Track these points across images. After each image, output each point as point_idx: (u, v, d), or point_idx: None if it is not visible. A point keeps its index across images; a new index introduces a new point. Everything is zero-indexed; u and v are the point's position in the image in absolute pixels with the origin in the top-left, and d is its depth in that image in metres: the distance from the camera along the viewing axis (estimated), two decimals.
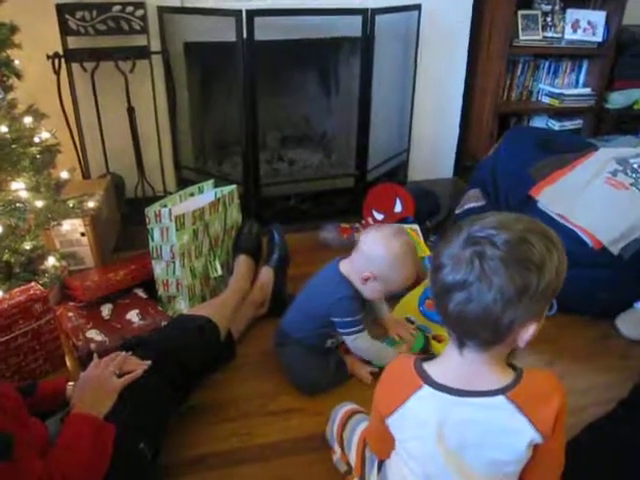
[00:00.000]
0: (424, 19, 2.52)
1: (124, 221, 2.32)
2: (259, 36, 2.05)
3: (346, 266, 1.49)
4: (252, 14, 2.00)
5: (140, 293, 1.83)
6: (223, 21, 2.10)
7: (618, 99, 2.90)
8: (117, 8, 2.07)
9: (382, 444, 1.08)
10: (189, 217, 1.69)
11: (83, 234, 1.93)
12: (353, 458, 1.22)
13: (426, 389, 0.90)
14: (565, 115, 2.93)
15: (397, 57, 2.58)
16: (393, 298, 1.83)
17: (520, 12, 2.64)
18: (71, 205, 1.87)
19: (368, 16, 2.19)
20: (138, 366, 1.25)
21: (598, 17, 2.71)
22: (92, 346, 1.55)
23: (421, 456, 0.96)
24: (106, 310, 1.74)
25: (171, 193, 2.49)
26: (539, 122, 2.99)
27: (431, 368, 0.92)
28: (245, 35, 2.03)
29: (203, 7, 2.19)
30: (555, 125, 2.94)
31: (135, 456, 1.11)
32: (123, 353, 1.29)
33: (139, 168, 2.35)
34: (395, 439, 1.00)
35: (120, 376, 1.22)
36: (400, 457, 1.02)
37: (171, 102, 2.34)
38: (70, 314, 1.70)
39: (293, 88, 2.76)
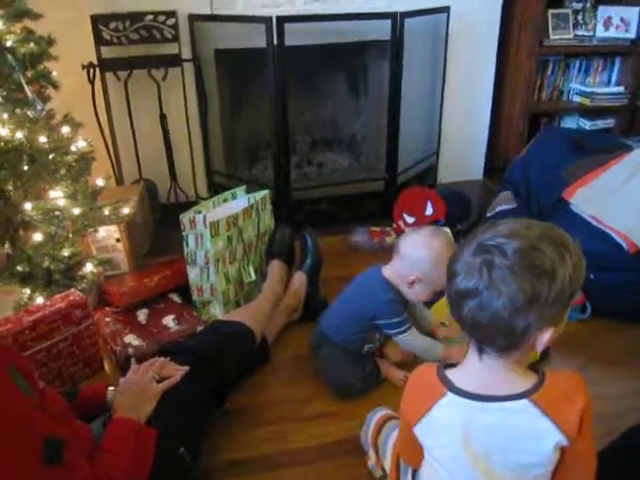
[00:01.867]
0: (453, 20, 2.51)
1: (157, 226, 2.36)
2: (288, 41, 2.07)
3: (389, 271, 1.50)
4: (282, 20, 2.02)
5: (175, 298, 1.86)
6: (253, 28, 2.13)
7: None
8: (149, 18, 2.11)
9: (411, 453, 1.08)
10: (223, 224, 1.71)
11: (118, 240, 1.97)
12: (388, 464, 1.22)
13: (450, 396, 0.90)
14: (597, 114, 2.88)
15: (426, 59, 2.57)
16: (425, 303, 1.84)
17: (550, 11, 2.60)
18: (107, 212, 1.92)
19: (397, 20, 2.19)
20: (177, 371, 1.28)
21: (631, 13, 2.66)
22: (130, 351, 1.58)
23: (449, 463, 0.96)
24: (142, 315, 1.77)
25: (203, 198, 2.53)
26: (570, 122, 2.94)
27: (453, 375, 0.92)
28: (275, 41, 2.05)
29: (233, 14, 2.21)
30: (586, 124, 2.89)
31: (176, 460, 1.13)
32: (162, 358, 1.31)
33: (171, 174, 2.39)
34: (423, 447, 1.01)
35: (159, 381, 1.24)
36: (430, 466, 1.02)
37: (202, 108, 2.37)
38: (107, 319, 1.74)
39: (321, 92, 2.76)
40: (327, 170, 2.77)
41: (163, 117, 2.25)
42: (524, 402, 0.86)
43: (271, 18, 2.01)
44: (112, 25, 2.09)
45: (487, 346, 0.86)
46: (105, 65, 2.15)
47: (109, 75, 2.18)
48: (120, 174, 2.35)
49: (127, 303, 1.77)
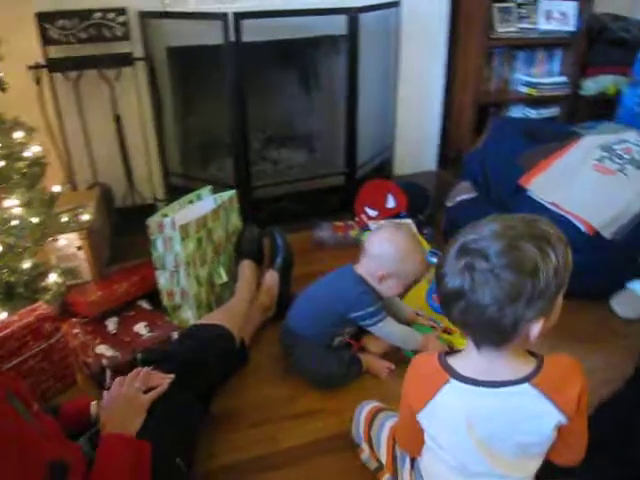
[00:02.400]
0: (403, 15, 2.55)
1: (114, 232, 2.28)
2: (244, 38, 2.04)
3: (360, 270, 1.54)
4: (239, 17, 1.99)
5: (144, 304, 1.81)
6: (207, 24, 2.09)
7: (591, 86, 2.99)
8: (98, 15, 2.02)
9: (412, 441, 1.11)
10: (193, 225, 1.67)
11: (80, 248, 1.89)
12: (384, 455, 1.24)
13: (453, 382, 0.93)
14: (542, 103, 3.00)
15: (379, 54, 2.60)
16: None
17: (495, 5, 2.69)
18: (65, 219, 1.84)
19: (353, 15, 2.20)
20: (163, 380, 1.25)
21: (569, 7, 2.78)
22: (104, 362, 1.52)
23: (453, 447, 0.99)
24: (112, 324, 1.71)
25: (160, 201, 2.47)
26: (516, 111, 3.05)
27: (455, 362, 0.96)
28: (233, 38, 2.01)
29: (187, 11, 2.16)
30: (532, 113, 3.00)
31: (173, 472, 1.11)
32: (145, 368, 1.27)
33: (128, 177, 2.31)
34: (426, 434, 1.03)
35: (146, 392, 1.21)
36: (433, 452, 1.05)
37: (156, 108, 2.30)
38: (75, 331, 1.67)
39: (275, 88, 2.74)
40: (285, 167, 2.75)
41: (117, 118, 2.16)
42: (525, 386, 0.90)
43: (227, 14, 1.98)
44: (59, 23, 1.99)
45: (482, 342, 0.90)
46: (53, 66, 2.04)
47: (58, 76, 2.08)
48: (73, 179, 2.25)
49: (96, 312, 1.70)
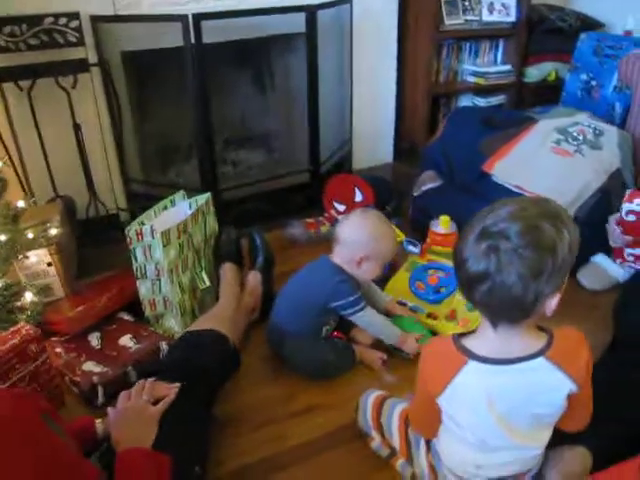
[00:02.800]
0: (356, 12, 2.58)
1: (79, 245, 2.20)
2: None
3: (335, 259, 1.57)
4: (199, 18, 1.96)
5: (125, 317, 1.75)
6: (164, 27, 2.04)
7: (534, 73, 3.13)
8: (49, 20, 1.93)
9: (428, 423, 1.14)
10: (174, 231, 1.64)
11: (50, 264, 1.81)
12: (397, 441, 1.26)
13: (471, 364, 0.96)
14: (489, 92, 3.12)
15: (334, 52, 2.62)
16: (378, 284, 1.90)
17: None
18: (31, 235, 1.76)
19: (312, 12, 2.21)
20: (170, 390, 1.22)
21: None
22: (95, 378, 1.47)
23: (474, 425, 1.02)
24: (95, 340, 1.65)
25: (124, 210, 2.40)
26: (465, 101, 3.16)
27: (471, 343, 0.99)
28: (193, 40, 1.98)
29: (142, 14, 2.10)
30: (481, 102, 3.12)
31: None
32: (150, 380, 1.24)
33: (89, 187, 2.23)
34: (444, 415, 1.06)
35: (155, 403, 1.18)
36: (451, 432, 1.08)
37: (113, 115, 2.23)
38: (58, 350, 1.60)
39: (231, 89, 2.72)
40: (244, 168, 2.74)
41: (77, 127, 2.08)
42: (540, 359, 0.95)
43: (187, 16, 1.94)
44: (7, 29, 1.89)
45: (500, 320, 0.93)
46: (2, 75, 1.94)
47: (9, 86, 1.98)
48: (31, 193, 2.15)
49: (77, 329, 1.64)
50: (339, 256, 1.56)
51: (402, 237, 2.05)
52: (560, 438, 1.10)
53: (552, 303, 0.90)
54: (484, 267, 0.86)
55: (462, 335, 1.02)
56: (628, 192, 1.77)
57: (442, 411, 1.05)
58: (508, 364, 0.95)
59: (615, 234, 1.83)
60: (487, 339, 0.97)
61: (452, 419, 1.04)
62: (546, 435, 1.06)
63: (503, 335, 0.95)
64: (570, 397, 0.98)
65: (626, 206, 1.73)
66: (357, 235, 1.53)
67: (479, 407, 0.98)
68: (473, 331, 1.02)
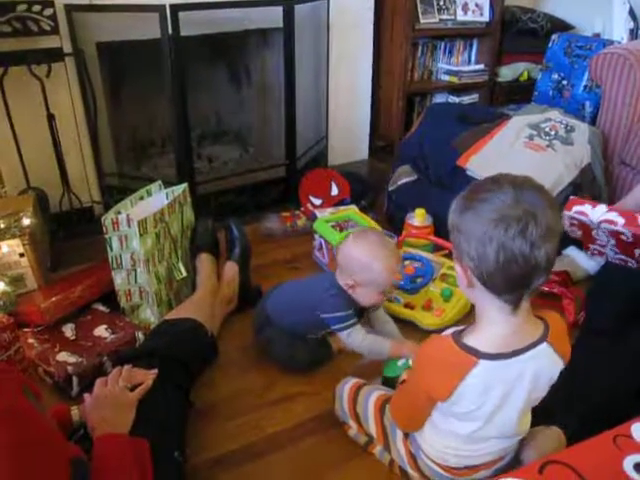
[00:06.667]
0: (332, 8, 2.60)
1: (53, 238, 2.16)
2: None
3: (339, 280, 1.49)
4: (176, 9, 1.95)
5: (100, 307, 1.73)
6: (140, 18, 2.02)
7: (507, 73, 3.20)
8: (22, 7, 1.89)
9: (416, 422, 1.12)
10: (151, 221, 1.63)
11: (22, 255, 1.78)
12: (373, 428, 1.27)
13: (482, 363, 0.93)
14: (463, 90, 3.17)
15: (310, 47, 2.63)
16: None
17: None
18: (2, 225, 1.73)
19: (289, 6, 2.22)
20: (146, 376, 1.21)
21: None
22: (69, 368, 1.45)
23: (479, 418, 0.99)
24: (69, 330, 1.63)
25: (98, 203, 2.37)
26: (440, 98, 3.20)
27: (476, 341, 0.95)
28: (170, 31, 1.97)
29: (118, 4, 2.07)
30: (455, 100, 3.16)
31: (173, 466, 1.08)
32: (126, 366, 1.23)
33: (63, 179, 2.19)
34: (436, 412, 1.04)
35: (132, 390, 1.17)
36: (437, 426, 1.07)
37: (88, 106, 2.20)
38: (31, 340, 1.57)
39: (207, 83, 2.71)
40: (224, 163, 2.73)
41: (51, 117, 2.05)
42: (543, 345, 0.95)
43: (165, 6, 1.93)
44: None
45: (525, 294, 0.91)
46: None
47: None
48: (2, 184, 2.10)
49: (51, 320, 1.60)
50: (338, 278, 1.48)
51: (379, 230, 2.06)
52: (534, 419, 1.13)
53: None
54: (518, 249, 0.83)
55: (461, 333, 0.98)
56: (570, 199, 1.65)
57: (442, 410, 1.03)
58: (519, 354, 0.94)
59: (568, 229, 1.80)
60: (493, 333, 0.94)
61: (453, 415, 1.01)
62: (529, 418, 1.08)
63: (521, 317, 0.93)
64: None
65: (566, 213, 1.57)
66: (347, 261, 1.43)
67: (488, 402, 0.96)
68: (468, 326, 0.99)
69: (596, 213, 1.45)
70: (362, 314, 1.53)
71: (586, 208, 1.48)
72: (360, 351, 1.48)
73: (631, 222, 1.39)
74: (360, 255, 1.40)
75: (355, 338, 1.45)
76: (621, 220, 1.40)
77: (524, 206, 0.84)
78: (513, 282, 0.87)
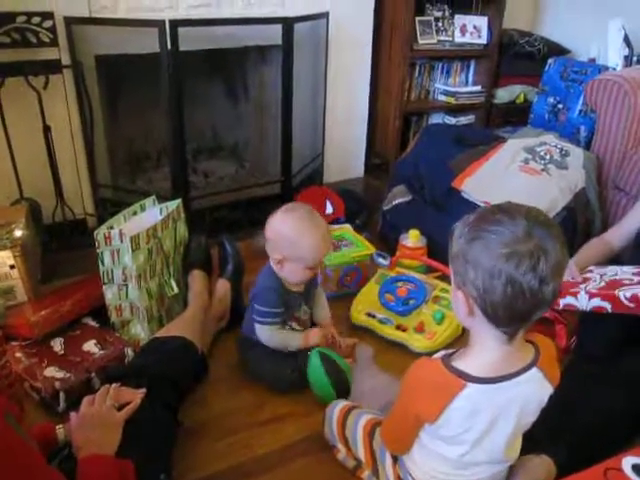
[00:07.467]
0: (332, 26, 2.62)
1: (44, 250, 2.14)
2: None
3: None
4: (176, 24, 1.95)
5: (90, 322, 1.71)
6: (140, 32, 2.03)
7: (503, 95, 3.23)
8: (22, 19, 1.90)
9: (405, 444, 1.11)
10: (144, 236, 1.62)
11: (12, 267, 1.76)
12: (362, 453, 1.25)
13: (471, 386, 0.93)
14: (459, 111, 3.19)
15: (308, 65, 2.64)
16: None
17: (417, 18, 2.83)
18: None
19: (289, 25, 2.23)
20: (134, 395, 1.19)
21: (481, 21, 3.00)
22: (57, 384, 1.43)
23: (466, 442, 0.98)
24: (57, 345, 1.61)
25: (91, 215, 2.36)
26: (436, 119, 3.23)
27: (465, 364, 0.95)
28: (169, 46, 1.97)
29: (118, 18, 2.08)
30: (451, 120, 3.19)
31: None
32: (114, 385, 1.21)
33: (57, 191, 2.18)
34: (424, 434, 1.03)
35: (119, 409, 1.15)
36: (427, 449, 1.05)
37: (84, 118, 2.20)
38: (18, 354, 1.55)
39: (204, 99, 2.71)
40: (220, 178, 2.73)
41: (47, 129, 2.04)
42: (534, 370, 0.95)
43: (164, 22, 1.94)
44: None
45: (524, 326, 0.90)
46: None
47: None
48: None
49: (39, 334, 1.58)
50: (268, 253, 1.48)
51: (372, 250, 2.06)
52: (523, 448, 1.12)
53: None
54: (527, 283, 0.82)
55: (450, 357, 0.98)
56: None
57: (429, 434, 1.02)
58: (510, 379, 0.93)
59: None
60: (484, 358, 0.94)
61: (440, 438, 1.01)
62: (519, 444, 1.07)
63: (515, 346, 0.93)
64: None
65: (562, 300, 1.57)
66: (275, 234, 1.43)
67: (476, 426, 0.96)
68: (458, 350, 1.00)
69: (582, 301, 1.51)
70: (309, 291, 1.58)
71: (570, 300, 1.53)
72: (272, 345, 1.53)
73: (618, 306, 1.43)
74: (288, 230, 1.40)
75: (266, 334, 1.51)
76: (608, 305, 1.46)
77: (535, 240, 0.83)
78: (516, 316, 0.87)
